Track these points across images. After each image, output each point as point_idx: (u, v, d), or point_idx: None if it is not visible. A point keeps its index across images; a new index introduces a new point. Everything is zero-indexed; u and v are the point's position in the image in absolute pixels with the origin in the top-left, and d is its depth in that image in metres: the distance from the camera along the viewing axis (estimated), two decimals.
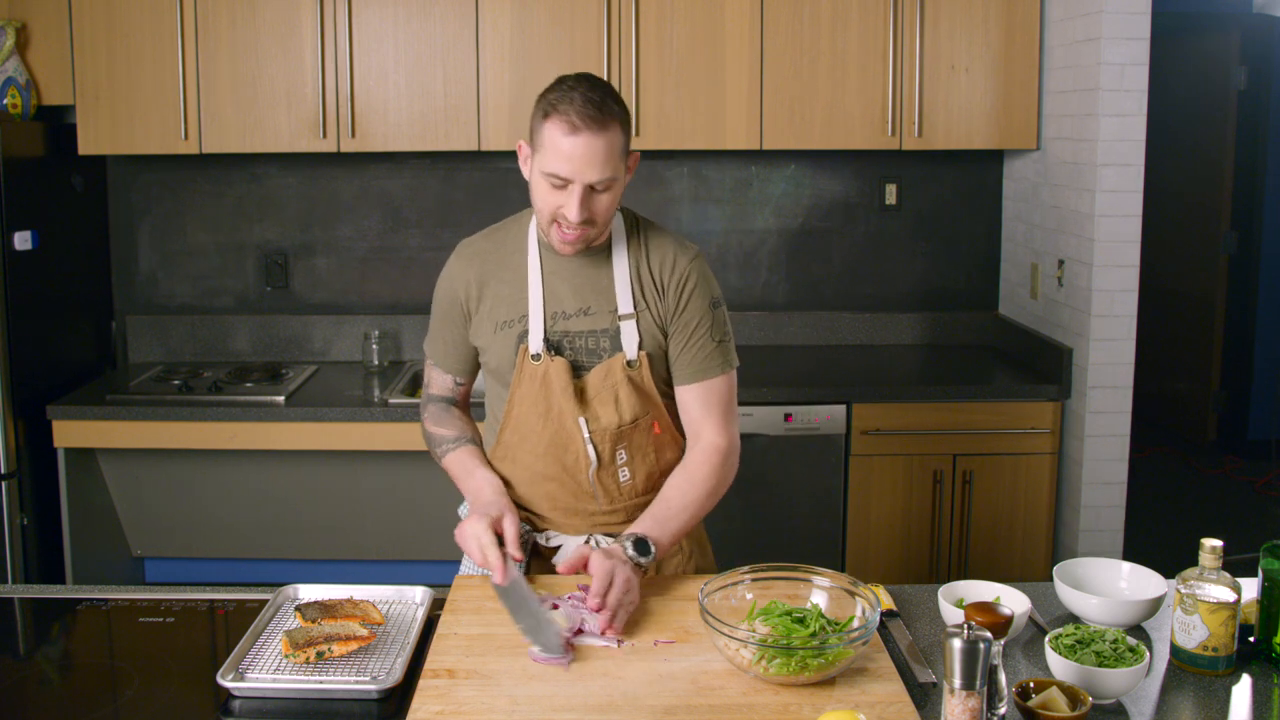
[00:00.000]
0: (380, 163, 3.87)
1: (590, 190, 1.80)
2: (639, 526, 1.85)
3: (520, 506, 2.00)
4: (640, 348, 1.93)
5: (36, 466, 3.34)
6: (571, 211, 1.80)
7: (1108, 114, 3.23)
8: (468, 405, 2.13)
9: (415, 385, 3.68)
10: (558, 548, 2.01)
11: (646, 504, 1.98)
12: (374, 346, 3.77)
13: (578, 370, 1.93)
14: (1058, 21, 3.49)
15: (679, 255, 1.96)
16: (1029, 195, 3.75)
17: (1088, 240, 3.31)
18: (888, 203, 3.96)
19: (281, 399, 3.37)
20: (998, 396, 3.42)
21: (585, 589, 1.76)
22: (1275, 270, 5.68)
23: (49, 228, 3.44)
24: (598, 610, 1.69)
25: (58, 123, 3.59)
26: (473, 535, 1.81)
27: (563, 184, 1.80)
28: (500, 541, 1.81)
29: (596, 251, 1.94)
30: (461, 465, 2.00)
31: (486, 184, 3.89)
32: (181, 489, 3.59)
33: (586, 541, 2.00)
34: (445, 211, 3.90)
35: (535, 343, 1.92)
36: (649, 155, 3.86)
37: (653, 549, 1.81)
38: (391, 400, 3.36)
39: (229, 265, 3.93)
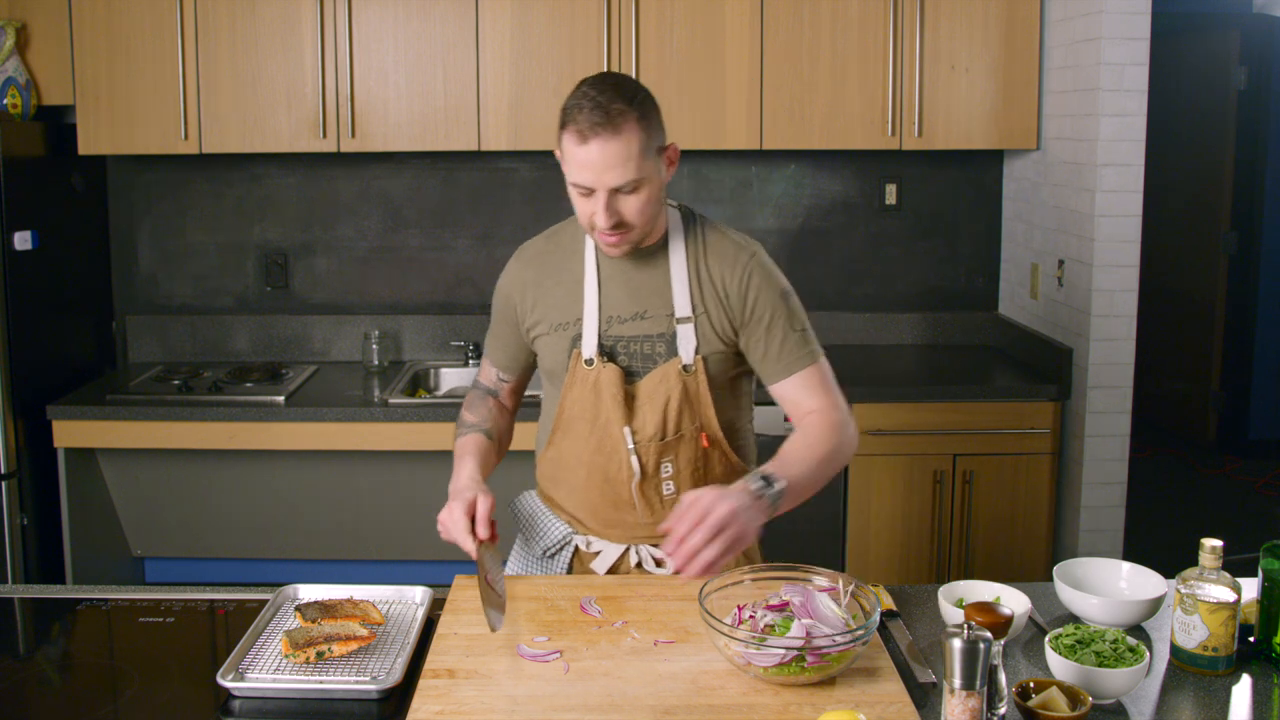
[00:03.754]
0: (380, 163, 3.87)
1: (615, 194, 1.77)
2: (764, 468, 1.77)
3: (565, 510, 2.02)
4: (697, 352, 1.89)
5: (36, 466, 3.34)
6: (600, 218, 1.77)
7: (1108, 114, 3.23)
8: (513, 400, 2.11)
9: (415, 385, 3.68)
10: (598, 553, 1.99)
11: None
12: (374, 346, 3.77)
13: (631, 376, 1.90)
14: (1058, 21, 3.49)
15: (738, 254, 1.91)
16: (1029, 195, 3.75)
17: (1088, 240, 3.31)
18: (888, 203, 3.96)
19: (281, 399, 3.37)
20: (998, 396, 3.42)
21: (587, 603, 1.77)
22: (1275, 270, 5.67)
23: (49, 228, 3.44)
24: (670, 554, 1.61)
25: (58, 123, 3.59)
26: (450, 518, 1.81)
27: (588, 192, 1.78)
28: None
29: (652, 253, 1.91)
30: (459, 450, 1.98)
31: (486, 184, 3.89)
32: (181, 489, 3.59)
33: (626, 551, 1.98)
34: (445, 211, 3.90)
35: (589, 347, 1.90)
36: None
37: (777, 480, 1.73)
38: (391, 400, 3.35)
39: (229, 265, 3.93)
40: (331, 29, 3.46)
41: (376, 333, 3.78)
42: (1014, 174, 3.89)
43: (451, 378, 3.81)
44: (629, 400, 1.89)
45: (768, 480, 1.73)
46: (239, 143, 3.50)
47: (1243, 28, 5.61)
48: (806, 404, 1.90)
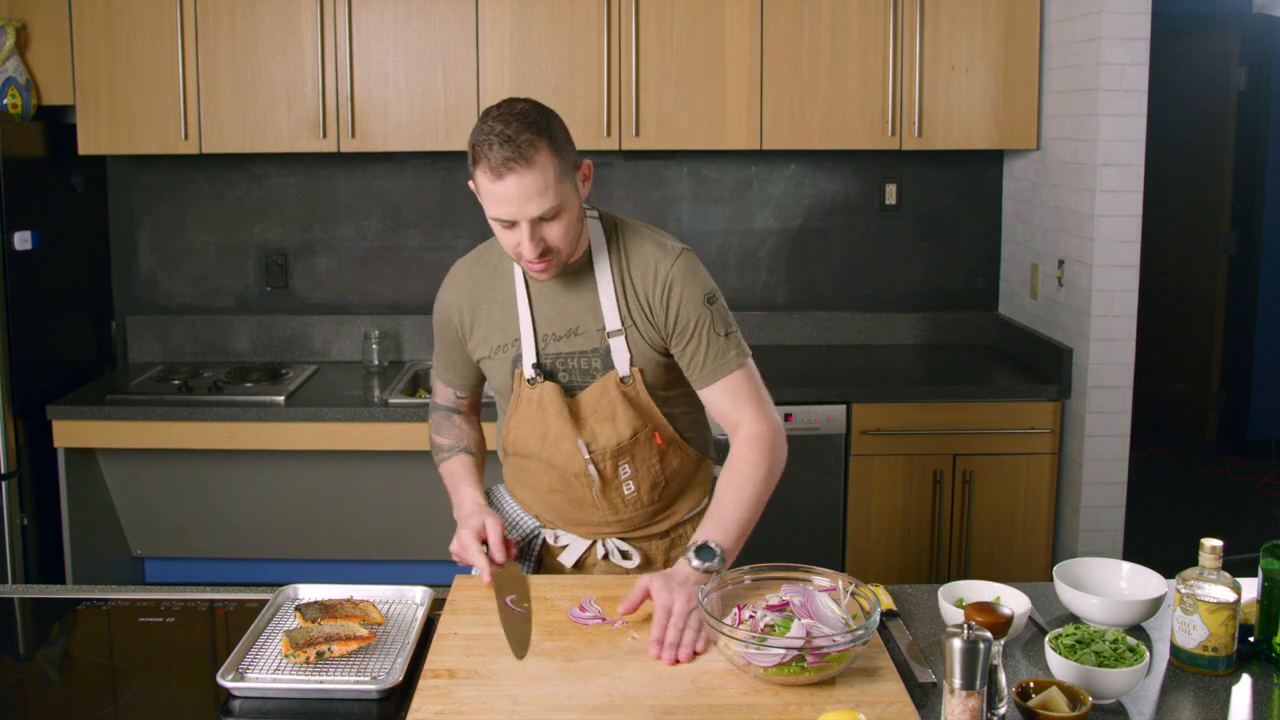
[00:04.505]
0: (380, 163, 3.87)
1: (538, 222, 1.75)
2: (700, 534, 1.80)
3: (530, 506, 2.06)
4: (632, 364, 1.90)
5: (36, 466, 3.34)
6: (526, 248, 1.76)
7: (1108, 114, 3.23)
8: (474, 411, 2.14)
9: (415, 385, 3.68)
10: (565, 546, 2.03)
11: (652, 511, 1.99)
12: (374, 346, 3.77)
13: (571, 391, 1.91)
14: (1058, 21, 3.49)
15: (660, 261, 1.88)
16: (1029, 195, 3.75)
17: (1088, 240, 3.31)
18: (888, 203, 3.96)
19: (281, 399, 3.37)
20: (998, 396, 3.42)
21: (587, 603, 1.78)
22: (1275, 270, 5.67)
23: (49, 228, 3.44)
24: (659, 657, 1.62)
25: (58, 123, 3.59)
26: (460, 545, 1.88)
27: (510, 224, 1.76)
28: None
29: (577, 269, 1.90)
30: (451, 477, 2.04)
31: None
32: (181, 489, 3.59)
33: (592, 545, 2.01)
34: (445, 211, 3.90)
35: (528, 367, 1.91)
36: (649, 155, 3.86)
37: (717, 551, 1.75)
38: (391, 400, 3.35)
39: (229, 265, 3.93)
40: (331, 29, 3.46)
41: (376, 333, 3.78)
42: (1014, 174, 3.89)
43: None
44: (575, 415, 1.91)
45: (708, 554, 1.75)
46: (239, 143, 3.50)
47: (1243, 28, 5.61)
48: (734, 414, 1.91)
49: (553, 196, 1.74)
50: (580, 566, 2.03)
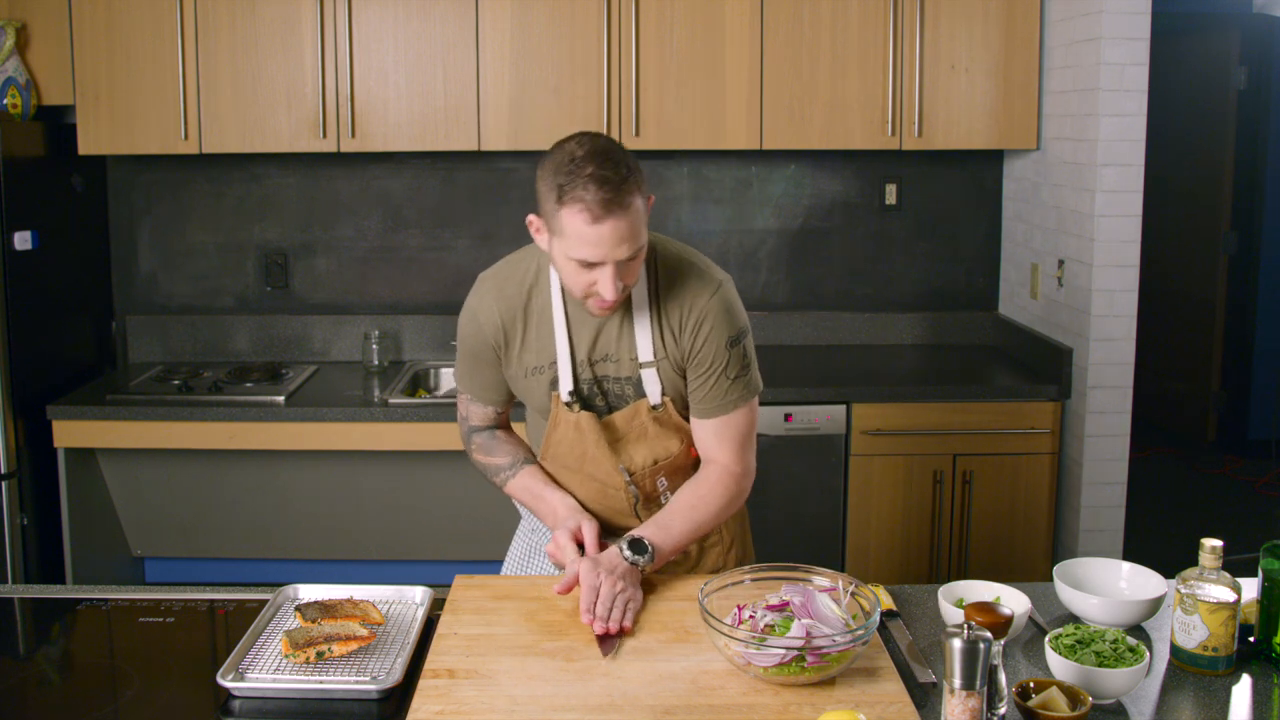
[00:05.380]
0: (380, 163, 3.87)
1: (620, 264, 1.73)
2: (640, 530, 1.85)
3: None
4: (663, 394, 1.91)
5: (36, 466, 3.34)
6: (606, 290, 1.73)
7: (1108, 114, 3.23)
8: (509, 423, 2.09)
9: (415, 385, 3.68)
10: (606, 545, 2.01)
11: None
12: (374, 346, 3.77)
13: (606, 412, 1.92)
14: (1058, 21, 3.49)
15: (697, 296, 1.87)
16: (1029, 195, 3.75)
17: (1088, 240, 3.31)
18: (888, 203, 3.96)
19: (281, 399, 3.37)
20: (998, 396, 3.42)
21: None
22: (1275, 270, 5.67)
23: (49, 228, 3.44)
24: (590, 624, 1.69)
25: (58, 123, 3.59)
26: (556, 547, 1.84)
27: (590, 265, 1.72)
28: (583, 549, 1.85)
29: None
30: (528, 491, 1.98)
31: (486, 184, 3.89)
32: (181, 489, 3.59)
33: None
34: (445, 211, 3.90)
35: (565, 389, 1.90)
36: (649, 155, 3.86)
37: (649, 548, 1.81)
38: (391, 400, 3.35)
39: (229, 265, 3.93)
40: (331, 29, 3.46)
41: (376, 333, 3.78)
42: (1014, 174, 3.89)
43: (451, 378, 3.81)
44: (611, 438, 1.92)
45: (636, 549, 1.81)
46: (239, 143, 3.50)
47: (1243, 28, 5.61)
48: (714, 449, 1.93)
49: (641, 237, 1.73)
50: None
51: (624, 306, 1.88)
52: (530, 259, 1.94)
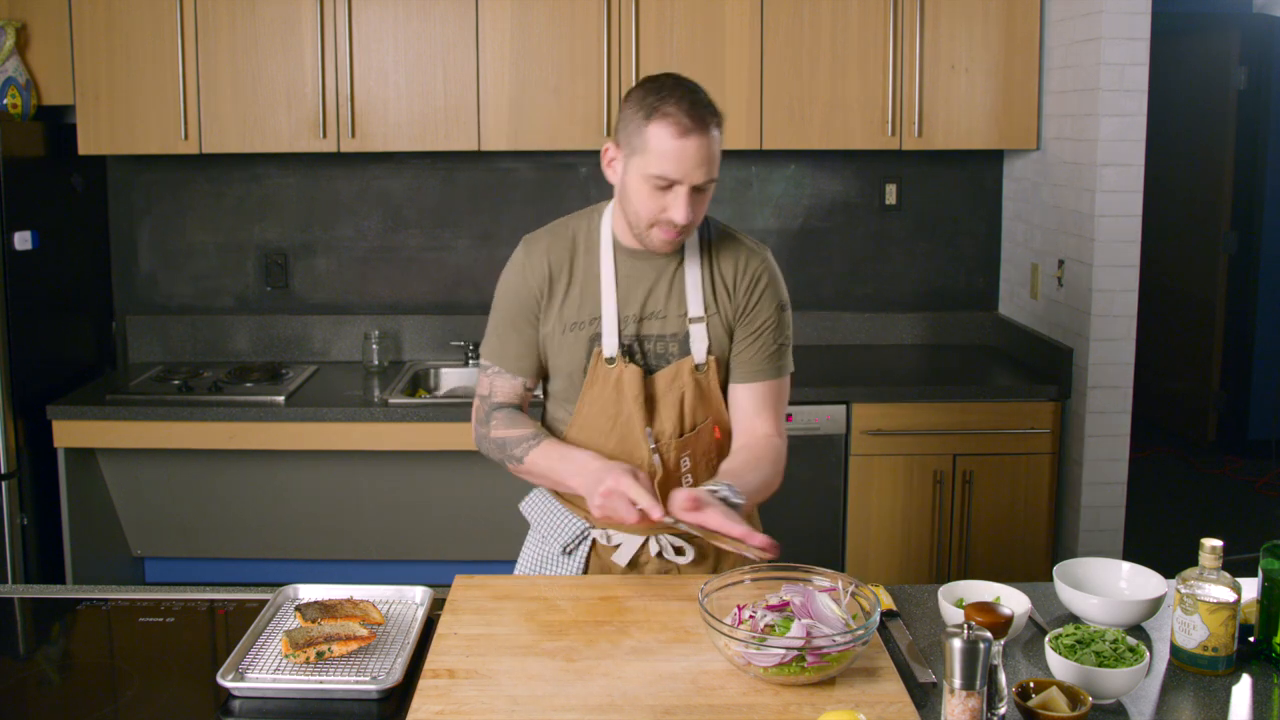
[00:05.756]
0: (380, 163, 3.87)
1: (694, 190, 1.78)
2: (711, 484, 1.78)
3: (579, 504, 1.99)
4: (709, 352, 1.92)
5: (36, 466, 3.34)
6: (679, 213, 1.78)
7: (1108, 114, 3.23)
8: (528, 406, 2.05)
9: (415, 385, 3.68)
10: (618, 546, 1.98)
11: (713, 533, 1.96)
12: (374, 346, 3.77)
13: (646, 372, 1.91)
14: (1058, 21, 3.49)
15: (751, 256, 1.95)
16: (1029, 195, 3.75)
17: (1088, 240, 3.31)
18: (888, 203, 3.96)
19: (281, 399, 3.37)
20: (998, 396, 3.42)
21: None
22: (1275, 270, 5.67)
23: (49, 228, 3.44)
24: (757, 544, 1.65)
25: (58, 123, 3.59)
26: (619, 490, 1.72)
27: (668, 185, 1.77)
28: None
29: (671, 255, 1.92)
30: (554, 453, 1.90)
31: (486, 184, 3.89)
32: (181, 489, 3.59)
33: (646, 543, 1.97)
34: (445, 211, 3.90)
35: (610, 346, 1.90)
36: None
37: (739, 497, 1.76)
38: (391, 400, 3.35)
39: (229, 265, 3.93)
40: (331, 29, 3.46)
41: (376, 333, 3.78)
42: (1014, 174, 3.89)
43: (451, 378, 3.81)
44: (649, 400, 1.90)
45: (732, 491, 1.77)
46: (239, 143, 3.50)
47: (1243, 28, 5.61)
48: (758, 417, 1.94)
49: (715, 170, 1.80)
50: (634, 565, 1.99)
51: (676, 261, 1.92)
52: (580, 219, 1.98)
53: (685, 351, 1.92)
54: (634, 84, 1.84)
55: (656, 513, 1.70)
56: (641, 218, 1.83)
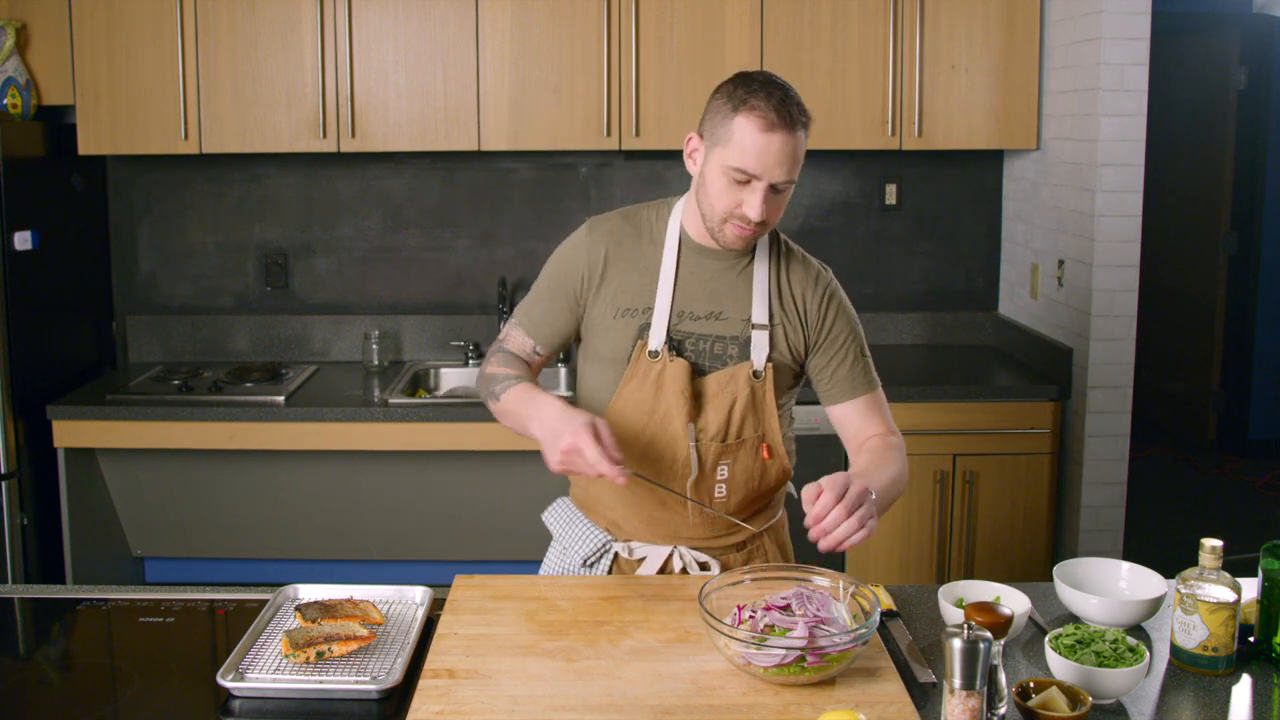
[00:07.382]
0: (380, 163, 3.87)
1: (772, 189, 1.77)
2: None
3: (603, 514, 1.97)
4: (768, 360, 1.89)
5: (36, 466, 3.34)
6: (754, 210, 1.76)
7: (1108, 114, 3.23)
8: (536, 376, 2.00)
9: (415, 385, 3.68)
10: (642, 559, 1.96)
11: (727, 523, 1.93)
12: (374, 346, 3.77)
13: (699, 372, 1.88)
14: (1058, 21, 3.49)
15: (819, 277, 1.95)
16: (1029, 195, 3.75)
17: (1088, 240, 3.31)
18: (888, 203, 3.96)
19: (281, 399, 3.37)
20: (998, 396, 3.42)
21: None
22: (1275, 270, 5.67)
23: (49, 228, 3.44)
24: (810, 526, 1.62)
25: (58, 123, 3.59)
26: (577, 448, 1.67)
27: (746, 180, 1.75)
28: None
29: (739, 257, 1.90)
30: (524, 395, 1.84)
31: (486, 184, 3.89)
32: (181, 489, 3.59)
33: (671, 554, 1.95)
34: (445, 211, 3.90)
35: (656, 339, 1.87)
36: (649, 155, 3.86)
37: (874, 490, 1.70)
38: (391, 400, 3.35)
39: (229, 265, 3.93)
40: (331, 29, 3.46)
41: (376, 333, 3.78)
42: (1014, 174, 3.89)
43: (451, 378, 3.81)
44: (696, 396, 1.87)
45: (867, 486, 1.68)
46: (239, 143, 3.50)
47: (1243, 28, 5.61)
48: (868, 428, 1.94)
49: (796, 171, 1.79)
50: (611, 576, 1.95)
51: (745, 262, 1.90)
52: (650, 208, 1.96)
53: (745, 356, 1.89)
54: (721, 83, 1.83)
55: (620, 479, 1.66)
56: (716, 211, 1.80)
